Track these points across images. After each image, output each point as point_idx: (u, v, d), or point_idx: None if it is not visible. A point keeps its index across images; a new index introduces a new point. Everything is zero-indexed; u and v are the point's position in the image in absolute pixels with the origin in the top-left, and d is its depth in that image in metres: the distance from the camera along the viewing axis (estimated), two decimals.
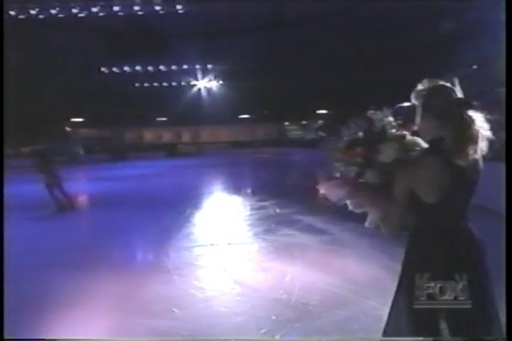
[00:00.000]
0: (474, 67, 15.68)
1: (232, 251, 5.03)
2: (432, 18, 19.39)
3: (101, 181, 14.53)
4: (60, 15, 24.17)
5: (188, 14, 22.83)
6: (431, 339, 1.91)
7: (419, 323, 1.83)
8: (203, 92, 31.12)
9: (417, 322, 1.83)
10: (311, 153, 17.09)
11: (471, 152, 1.70)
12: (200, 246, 5.26)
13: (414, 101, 1.86)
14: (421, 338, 1.91)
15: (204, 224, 6.75)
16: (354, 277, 3.86)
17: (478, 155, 1.75)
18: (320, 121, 25.52)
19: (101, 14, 23.31)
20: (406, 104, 1.97)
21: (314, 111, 28.11)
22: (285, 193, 9.23)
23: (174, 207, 8.02)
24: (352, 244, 4.95)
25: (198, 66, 29.08)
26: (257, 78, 27.51)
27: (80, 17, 24.15)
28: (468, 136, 1.70)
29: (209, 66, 29.09)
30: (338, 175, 1.98)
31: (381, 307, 3.11)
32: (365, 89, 22.24)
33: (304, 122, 28.11)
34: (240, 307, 3.27)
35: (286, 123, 30.42)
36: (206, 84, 31.08)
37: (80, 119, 30.58)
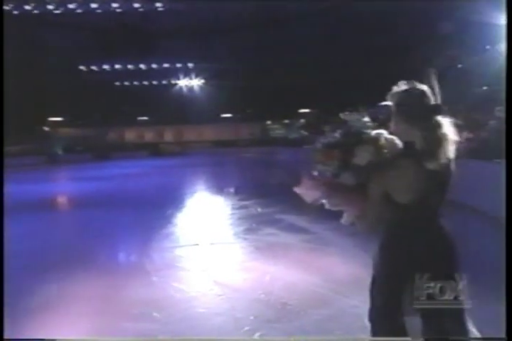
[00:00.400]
0: (459, 65, 15.98)
1: (213, 251, 5.00)
2: (413, 17, 19.64)
3: (82, 181, 14.27)
4: (35, 12, 23.56)
5: (168, 12, 22.56)
6: (421, 339, 1.97)
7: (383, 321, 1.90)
8: (185, 91, 30.88)
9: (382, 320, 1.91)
10: (295, 152, 17.15)
11: (441, 155, 1.75)
12: (181, 246, 5.21)
13: (389, 102, 1.90)
14: (409, 338, 1.98)
15: (186, 225, 6.69)
16: (335, 276, 3.88)
17: (449, 158, 1.80)
18: (302, 120, 25.60)
19: (78, 11, 22.78)
20: (387, 102, 1.98)
21: (297, 110, 28.22)
22: (268, 192, 9.23)
23: (156, 207, 7.93)
24: (334, 242, 4.98)
25: (179, 65, 28.81)
26: (239, 77, 27.46)
27: (56, 14, 23.59)
28: (438, 140, 1.75)
29: (190, 65, 28.87)
30: (315, 175, 1.98)
31: (361, 305, 3.13)
32: (347, 89, 22.45)
33: (286, 121, 28.16)
34: (219, 308, 3.25)
35: (269, 122, 30.44)
36: (188, 83, 30.86)
37: (60, 119, 30.00)
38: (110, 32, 21.98)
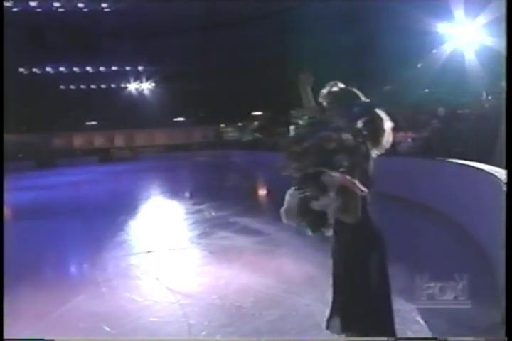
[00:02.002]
0: (419, 65, 16.72)
1: (166, 257, 4.90)
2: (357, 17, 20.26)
3: (24, 190, 13.46)
4: None
5: (115, 13, 21.83)
6: (393, 339, 2.13)
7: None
8: (136, 95, 30.07)
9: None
10: (248, 155, 17.26)
11: (383, 143, 2.01)
12: (133, 254, 5.06)
13: (321, 101, 2.08)
14: (384, 338, 2.11)
15: (138, 232, 6.52)
16: (288, 276, 3.93)
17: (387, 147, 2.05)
18: (256, 123, 25.79)
19: (15, 9, 21.30)
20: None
21: (250, 113, 28.37)
22: (222, 196, 9.21)
23: (107, 215, 7.67)
24: (287, 243, 5.04)
25: (128, 68, 28.00)
26: (191, 80, 27.16)
27: None
28: (378, 130, 1.99)
29: (140, 68, 28.15)
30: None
31: (313, 304, 3.20)
32: (299, 90, 22.80)
33: (240, 124, 28.23)
34: (172, 316, 3.18)
35: (223, 125, 30.36)
36: (138, 86, 30.08)
37: None
38: (51, 32, 20.86)
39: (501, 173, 3.42)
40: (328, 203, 1.99)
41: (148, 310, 3.36)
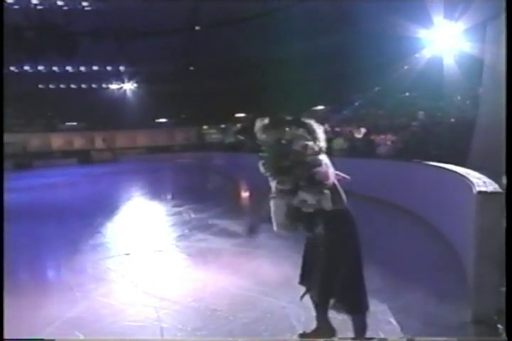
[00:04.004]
0: (399, 69, 16.99)
1: (142, 260, 4.83)
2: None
3: None
4: None
5: (95, 12, 21.45)
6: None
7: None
8: (117, 95, 29.65)
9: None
10: (231, 157, 17.20)
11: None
12: (109, 257, 4.97)
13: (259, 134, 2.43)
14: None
15: (116, 234, 6.40)
16: (265, 278, 3.92)
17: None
18: (238, 125, 25.76)
19: None
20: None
21: (233, 115, 28.34)
22: (202, 198, 9.15)
23: (84, 217, 7.52)
24: (265, 245, 5.02)
25: (109, 68, 27.58)
26: (174, 81, 26.95)
27: None
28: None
29: (122, 68, 27.76)
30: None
31: (288, 306, 3.20)
32: (282, 93, 22.93)
33: (222, 126, 28.16)
34: (146, 320, 3.13)
35: (205, 127, 30.21)
36: (120, 86, 29.69)
37: None
38: (30, 30, 20.32)
39: (473, 175, 3.50)
40: (323, 198, 2.25)
41: (122, 314, 3.30)
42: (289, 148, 2.30)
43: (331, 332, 2.55)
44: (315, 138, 2.37)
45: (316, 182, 2.27)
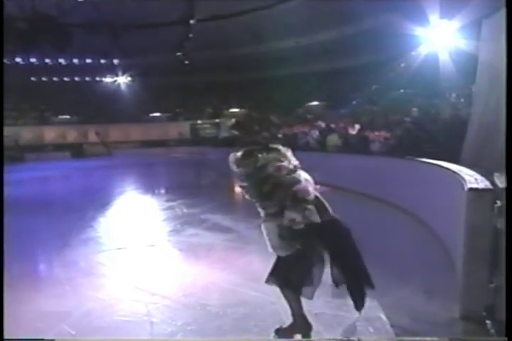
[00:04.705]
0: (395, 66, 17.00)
1: (133, 255, 4.80)
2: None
3: None
4: None
5: (90, 3, 21.15)
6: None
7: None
8: (111, 89, 29.34)
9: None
10: (225, 152, 17.15)
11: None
12: (99, 252, 4.93)
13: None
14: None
15: (106, 228, 6.36)
16: (256, 274, 3.89)
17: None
18: (233, 120, 25.65)
19: None
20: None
21: (227, 110, 28.23)
22: (195, 192, 9.13)
23: (75, 211, 7.47)
24: (256, 240, 5.00)
25: (103, 60, 27.26)
26: (168, 75, 26.74)
27: None
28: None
29: (115, 61, 27.45)
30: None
31: (278, 302, 3.19)
32: (278, 88, 22.88)
33: (217, 121, 28.04)
34: (135, 315, 3.11)
35: (200, 121, 30.06)
36: (114, 79, 29.38)
37: None
38: (22, 22, 19.99)
39: (466, 172, 3.50)
40: (309, 214, 2.36)
41: (111, 309, 3.28)
42: (265, 173, 2.42)
43: (307, 327, 2.58)
44: (286, 159, 2.52)
45: (299, 199, 2.38)
